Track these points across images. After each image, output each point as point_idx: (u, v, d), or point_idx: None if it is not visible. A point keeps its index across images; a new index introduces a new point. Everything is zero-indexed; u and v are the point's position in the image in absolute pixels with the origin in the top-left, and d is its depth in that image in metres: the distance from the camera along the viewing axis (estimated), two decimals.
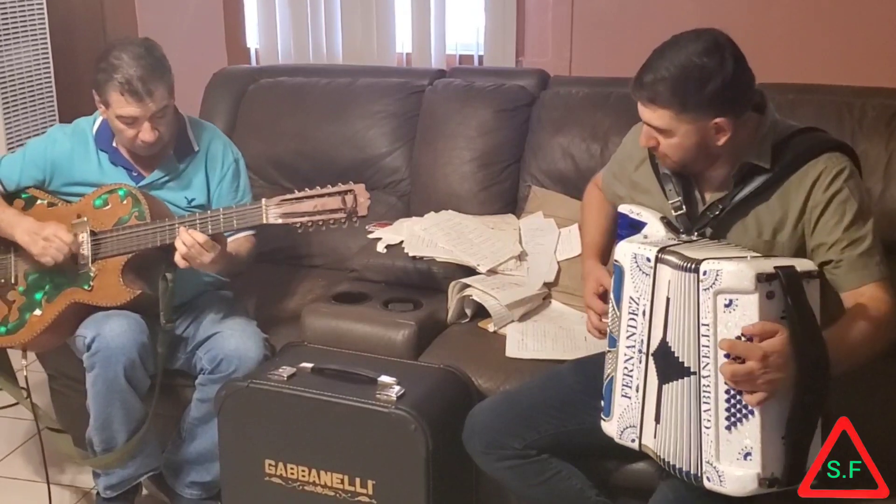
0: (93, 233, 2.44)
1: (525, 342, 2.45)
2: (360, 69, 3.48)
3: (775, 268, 1.66)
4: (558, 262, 2.69)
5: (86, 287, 2.44)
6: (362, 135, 3.16)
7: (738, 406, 1.69)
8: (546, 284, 2.65)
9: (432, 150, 3.07)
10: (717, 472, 1.71)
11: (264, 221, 2.30)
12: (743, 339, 1.67)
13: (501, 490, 2.25)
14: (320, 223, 2.28)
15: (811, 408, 1.69)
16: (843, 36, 3.27)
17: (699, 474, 1.74)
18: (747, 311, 1.66)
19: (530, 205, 2.93)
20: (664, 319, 1.79)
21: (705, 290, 1.69)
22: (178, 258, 2.31)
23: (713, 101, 1.81)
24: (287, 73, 3.44)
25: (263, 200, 2.30)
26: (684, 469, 1.78)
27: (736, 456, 1.70)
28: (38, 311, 2.49)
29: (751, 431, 1.68)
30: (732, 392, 1.69)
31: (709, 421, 1.71)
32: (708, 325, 1.70)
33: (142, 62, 2.37)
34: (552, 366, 2.31)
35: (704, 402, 1.72)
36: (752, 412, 1.68)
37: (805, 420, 1.70)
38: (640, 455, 2.09)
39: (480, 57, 3.77)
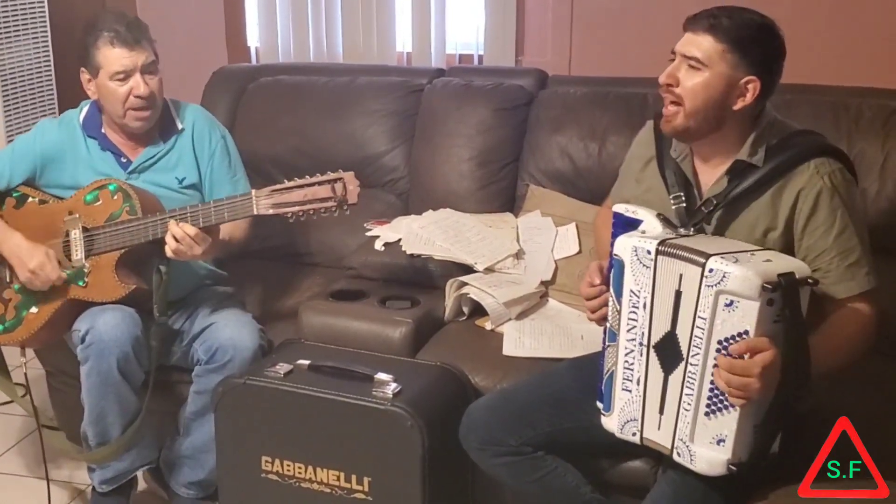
0: (85, 229, 2.44)
1: (522, 340, 2.46)
2: (360, 68, 3.48)
3: (779, 276, 1.68)
4: (556, 261, 2.69)
5: (80, 284, 2.44)
6: (361, 133, 3.17)
7: (722, 398, 1.74)
8: (543, 283, 2.66)
9: (431, 148, 3.07)
10: (690, 451, 1.79)
11: (255, 213, 2.30)
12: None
13: (497, 487, 2.25)
14: (311, 212, 2.29)
15: (788, 405, 1.76)
16: (841, 36, 3.28)
17: (670, 448, 1.82)
18: (747, 315, 1.69)
19: (528, 203, 2.93)
20: (673, 312, 1.80)
21: (708, 286, 1.72)
22: (168, 252, 2.32)
23: (762, 57, 1.87)
24: (287, 72, 3.44)
25: (254, 192, 2.31)
26: (661, 443, 1.85)
27: (710, 440, 1.77)
28: (34, 309, 2.49)
29: (728, 422, 1.75)
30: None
31: (689, 404, 1.78)
32: (705, 318, 1.73)
33: (125, 18, 2.49)
34: (549, 364, 2.31)
35: (687, 387, 1.78)
36: (733, 406, 1.73)
37: (780, 415, 1.76)
38: (634, 453, 2.10)
39: (480, 56, 3.78)
